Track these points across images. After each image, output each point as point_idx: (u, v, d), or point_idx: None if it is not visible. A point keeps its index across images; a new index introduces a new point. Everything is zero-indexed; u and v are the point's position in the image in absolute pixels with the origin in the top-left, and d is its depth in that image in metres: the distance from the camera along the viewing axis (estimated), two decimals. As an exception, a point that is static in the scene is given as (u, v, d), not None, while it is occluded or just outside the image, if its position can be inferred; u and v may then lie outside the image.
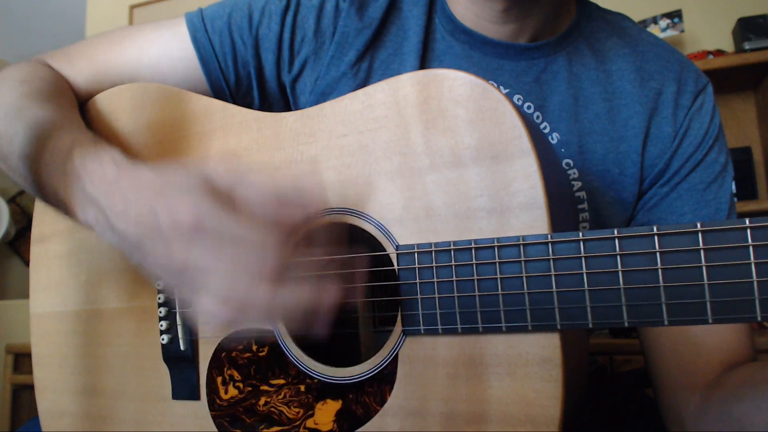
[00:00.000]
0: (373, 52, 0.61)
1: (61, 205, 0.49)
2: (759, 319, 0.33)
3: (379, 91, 0.48)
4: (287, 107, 0.66)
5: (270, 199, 0.38)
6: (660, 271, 0.36)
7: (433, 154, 0.45)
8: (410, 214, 0.45)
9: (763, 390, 0.45)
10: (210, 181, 0.39)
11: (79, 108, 0.63)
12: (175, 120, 0.58)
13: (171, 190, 0.38)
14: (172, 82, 0.62)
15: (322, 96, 0.61)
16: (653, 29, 1.77)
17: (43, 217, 0.66)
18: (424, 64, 0.61)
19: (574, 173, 0.58)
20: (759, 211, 1.55)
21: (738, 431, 0.45)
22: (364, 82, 0.61)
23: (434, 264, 0.43)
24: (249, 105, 0.65)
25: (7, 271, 3.15)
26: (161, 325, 0.55)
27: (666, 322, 0.36)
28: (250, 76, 0.63)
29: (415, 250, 0.44)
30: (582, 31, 0.62)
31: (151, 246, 0.39)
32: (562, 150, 0.58)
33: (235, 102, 0.64)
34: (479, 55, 0.61)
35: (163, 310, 0.55)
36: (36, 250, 0.66)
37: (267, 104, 0.65)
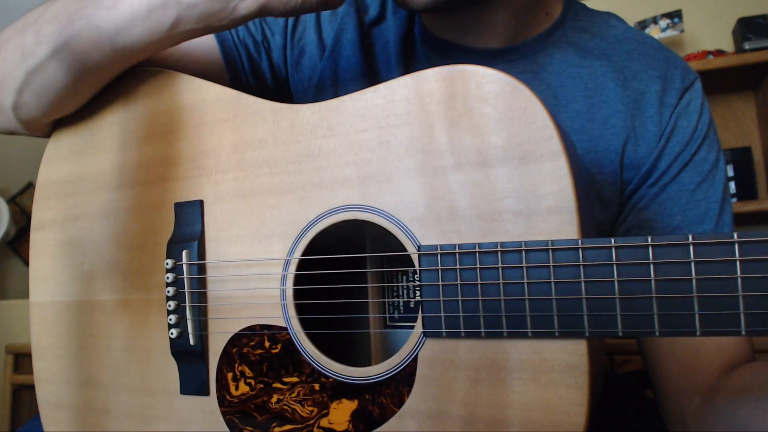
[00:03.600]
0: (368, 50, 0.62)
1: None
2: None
3: (401, 86, 0.46)
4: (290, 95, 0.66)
5: None
6: (694, 281, 0.35)
7: (457, 153, 0.44)
8: (432, 213, 0.44)
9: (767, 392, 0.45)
10: None
11: None
12: (185, 108, 0.56)
13: None
14: (189, 60, 0.61)
15: (321, 87, 0.63)
16: (653, 29, 1.77)
17: (44, 204, 0.64)
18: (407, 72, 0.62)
19: None
20: (759, 211, 1.56)
21: None
22: (367, 77, 0.62)
23: (458, 266, 0.42)
24: (263, 84, 0.65)
25: (7, 271, 3.12)
26: (170, 319, 0.53)
27: (698, 333, 0.35)
28: (261, 55, 0.64)
29: (438, 251, 0.43)
30: (566, 30, 0.61)
31: None
32: None
33: (248, 84, 0.63)
34: (456, 63, 0.61)
35: (172, 304, 0.54)
36: (36, 238, 0.64)
37: (279, 87, 0.66)
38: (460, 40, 0.60)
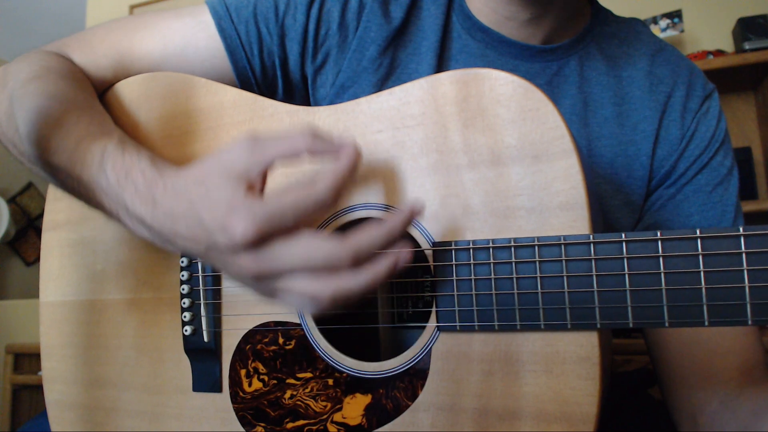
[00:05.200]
0: (394, 50, 0.62)
1: (81, 195, 0.50)
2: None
3: (416, 89, 0.48)
4: (307, 97, 0.66)
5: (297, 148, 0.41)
6: (702, 273, 0.37)
7: (471, 152, 0.45)
8: (447, 211, 0.45)
9: None
10: (244, 176, 0.40)
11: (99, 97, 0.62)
12: (202, 111, 0.57)
13: (216, 203, 0.40)
14: (199, 71, 0.61)
15: (342, 89, 0.62)
16: (653, 29, 1.76)
17: (57, 204, 0.65)
18: (441, 63, 0.61)
19: None
20: (759, 211, 1.56)
21: None
22: (385, 79, 0.62)
23: (472, 261, 0.43)
24: (272, 94, 0.65)
25: (7, 271, 3.12)
26: (184, 316, 0.54)
27: (707, 323, 0.36)
28: (275, 65, 0.63)
29: (453, 247, 0.44)
30: (595, 35, 0.63)
31: (219, 261, 0.41)
32: None
33: (259, 91, 0.64)
34: (495, 54, 0.61)
35: (186, 301, 0.54)
36: (48, 238, 0.65)
37: (289, 94, 0.66)
38: (505, 30, 0.61)
